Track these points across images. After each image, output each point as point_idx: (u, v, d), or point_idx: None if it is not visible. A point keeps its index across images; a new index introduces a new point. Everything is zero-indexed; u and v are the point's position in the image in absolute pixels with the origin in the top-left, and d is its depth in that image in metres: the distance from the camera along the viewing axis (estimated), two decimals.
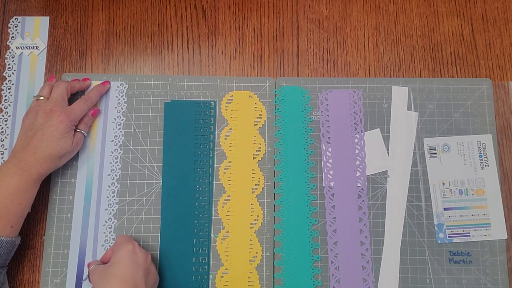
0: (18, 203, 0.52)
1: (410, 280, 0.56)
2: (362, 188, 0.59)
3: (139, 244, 0.53)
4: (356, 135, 0.60)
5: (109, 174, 0.60)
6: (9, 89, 0.62)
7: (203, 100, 0.62)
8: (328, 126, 0.61)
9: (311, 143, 0.60)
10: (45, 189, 0.59)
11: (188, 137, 0.60)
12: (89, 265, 0.55)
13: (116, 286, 0.47)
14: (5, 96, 0.62)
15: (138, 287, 0.48)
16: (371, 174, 0.59)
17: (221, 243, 0.58)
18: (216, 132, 0.61)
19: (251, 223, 0.58)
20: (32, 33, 0.64)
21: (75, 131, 0.57)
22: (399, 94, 0.61)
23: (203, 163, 0.60)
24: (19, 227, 0.54)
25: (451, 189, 0.59)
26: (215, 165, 0.60)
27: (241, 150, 0.60)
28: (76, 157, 0.59)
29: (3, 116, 0.61)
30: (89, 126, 0.60)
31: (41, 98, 0.57)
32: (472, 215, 0.58)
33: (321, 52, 0.64)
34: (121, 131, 0.61)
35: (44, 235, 0.58)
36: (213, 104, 0.62)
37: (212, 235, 0.58)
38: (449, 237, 0.57)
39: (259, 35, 0.64)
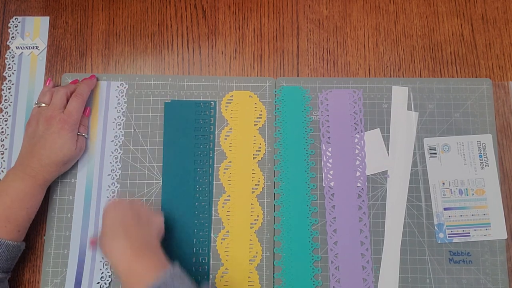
0: (25, 208, 0.52)
1: (410, 280, 0.56)
2: (362, 188, 0.59)
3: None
4: (356, 135, 0.60)
5: (109, 174, 0.60)
6: (9, 89, 0.62)
7: (203, 100, 0.62)
8: (328, 126, 0.61)
9: (311, 143, 0.60)
10: None
11: (188, 137, 0.60)
12: (93, 242, 0.55)
13: (110, 236, 0.48)
14: (5, 96, 0.62)
15: (129, 229, 0.49)
16: (371, 174, 0.59)
17: (221, 243, 0.58)
18: (216, 132, 0.61)
19: (251, 223, 0.58)
20: (32, 33, 0.64)
21: (77, 134, 0.57)
22: (399, 94, 0.61)
23: (203, 163, 0.60)
24: (25, 232, 0.54)
25: (451, 189, 0.58)
26: (215, 165, 0.60)
27: (241, 150, 0.60)
28: None
29: (3, 116, 0.61)
30: (87, 127, 0.60)
31: (42, 105, 0.56)
32: (472, 215, 0.58)
33: (321, 52, 0.64)
34: (121, 131, 0.61)
35: (44, 235, 0.58)
36: (213, 104, 0.61)
37: (212, 235, 0.58)
38: (449, 237, 0.57)
39: (259, 35, 0.64)
